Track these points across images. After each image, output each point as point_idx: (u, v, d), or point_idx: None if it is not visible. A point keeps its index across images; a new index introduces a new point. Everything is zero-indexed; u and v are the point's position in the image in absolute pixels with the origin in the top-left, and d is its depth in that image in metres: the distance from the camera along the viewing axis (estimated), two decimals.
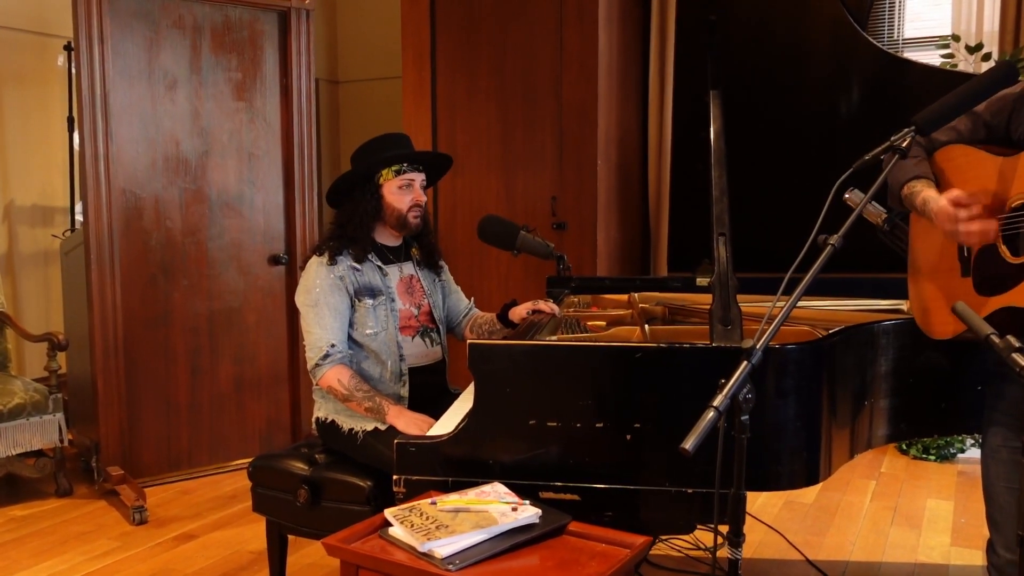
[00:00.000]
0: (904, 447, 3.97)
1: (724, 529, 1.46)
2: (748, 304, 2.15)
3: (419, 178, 2.47)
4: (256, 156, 3.83)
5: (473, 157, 4.30)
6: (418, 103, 4.40)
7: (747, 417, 1.38)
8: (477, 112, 4.23)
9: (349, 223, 2.43)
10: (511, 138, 4.18)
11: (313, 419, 2.54)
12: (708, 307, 2.42)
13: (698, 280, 2.82)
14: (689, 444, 1.27)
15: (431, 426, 2.12)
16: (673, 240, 3.73)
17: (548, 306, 2.45)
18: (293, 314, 3.98)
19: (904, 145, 1.60)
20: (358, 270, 2.42)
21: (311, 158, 3.98)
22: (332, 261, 2.39)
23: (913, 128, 1.63)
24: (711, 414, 1.31)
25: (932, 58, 3.99)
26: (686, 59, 3.44)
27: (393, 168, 2.43)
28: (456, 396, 2.41)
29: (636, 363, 1.73)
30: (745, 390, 1.36)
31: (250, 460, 2.50)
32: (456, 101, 4.30)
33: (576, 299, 2.89)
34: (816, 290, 2.43)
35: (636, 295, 2.77)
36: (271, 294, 3.91)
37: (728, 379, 1.36)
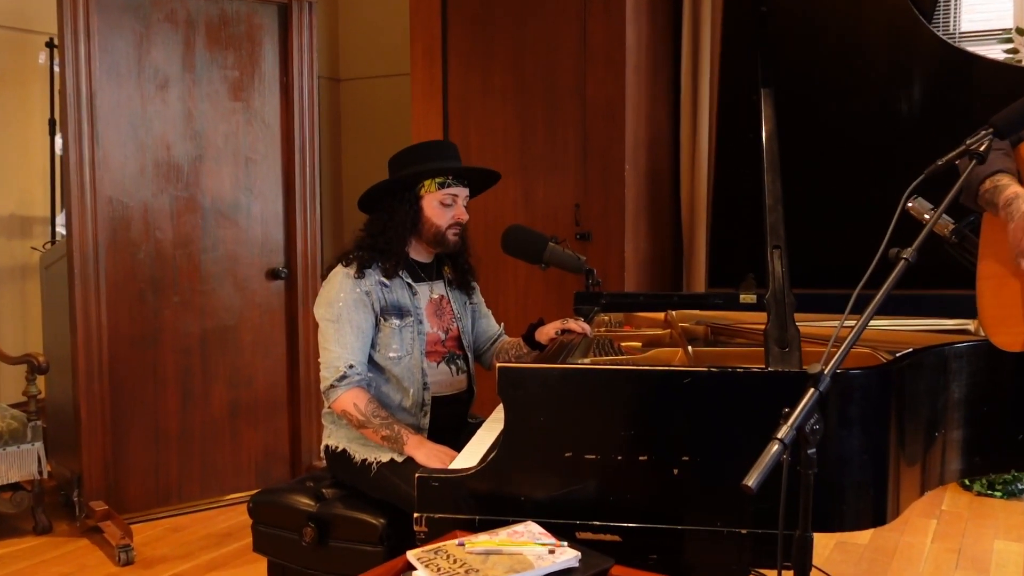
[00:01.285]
0: (967, 482, 3.92)
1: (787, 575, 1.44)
2: (802, 324, 2.14)
3: (463, 194, 2.48)
4: (254, 161, 3.84)
5: (488, 161, 4.29)
6: (428, 102, 4.41)
7: (814, 451, 1.36)
8: (493, 112, 4.24)
9: (382, 234, 2.42)
10: (530, 140, 4.18)
11: (322, 447, 2.53)
12: (756, 327, 2.45)
13: (742, 297, 2.81)
14: (753, 481, 1.25)
15: (453, 459, 2.11)
16: (713, 253, 3.72)
17: (579, 325, 2.44)
18: (293, 333, 3.98)
19: (982, 149, 1.58)
20: (386, 286, 2.42)
21: (313, 163, 3.99)
22: (360, 274, 2.39)
23: (991, 130, 1.61)
24: (775, 447, 1.29)
25: (993, 53, 3.98)
26: (730, 55, 3.45)
27: (437, 181, 2.43)
28: (477, 426, 2.40)
29: (684, 389, 1.72)
30: (812, 421, 1.34)
31: (245, 494, 2.50)
32: (470, 100, 4.31)
33: (607, 317, 2.88)
34: (863, 309, 2.43)
35: (674, 313, 2.76)
36: (269, 311, 3.92)
37: (792, 408, 1.34)
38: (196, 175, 3.69)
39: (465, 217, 2.48)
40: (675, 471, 1.71)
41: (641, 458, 1.72)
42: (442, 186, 2.43)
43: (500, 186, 4.34)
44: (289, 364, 3.97)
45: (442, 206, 2.44)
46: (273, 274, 3.91)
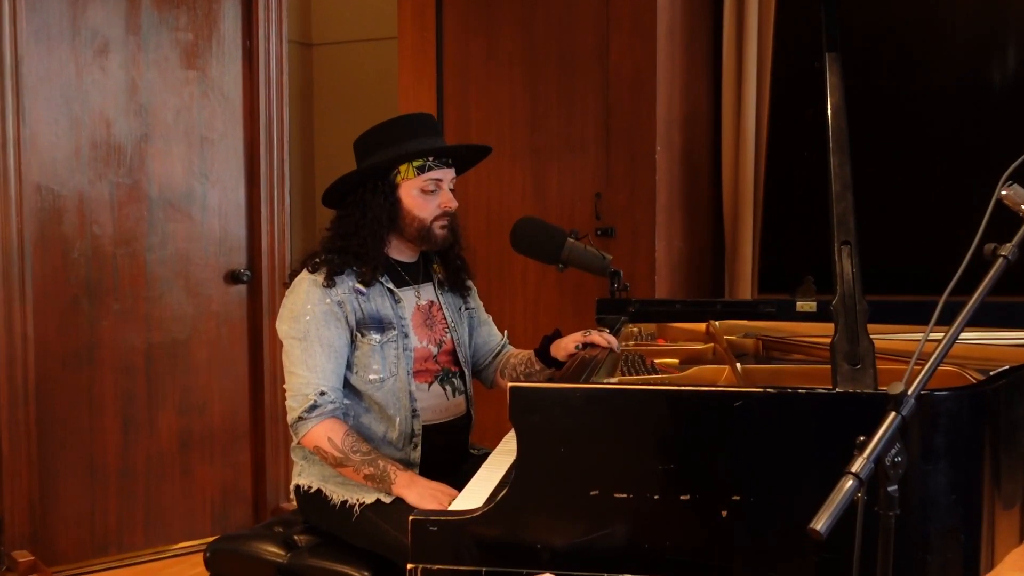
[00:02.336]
0: None
1: None
2: (872, 337, 2.14)
3: (448, 177, 2.48)
4: (210, 141, 3.86)
5: (492, 142, 4.28)
6: (418, 72, 4.42)
7: (895, 488, 1.36)
8: (498, 83, 4.25)
9: (355, 235, 2.42)
10: (542, 118, 4.19)
11: (292, 486, 2.53)
12: (818, 340, 2.45)
13: (799, 304, 2.82)
14: (822, 525, 1.25)
15: (452, 499, 2.11)
16: (763, 251, 3.72)
17: (603, 338, 2.45)
18: (257, 349, 3.99)
19: None
20: (363, 294, 2.42)
21: (282, 144, 4.00)
22: (330, 282, 2.39)
23: None
24: (849, 484, 1.29)
25: None
26: (787, 15, 3.45)
27: (415, 164, 2.43)
28: (481, 458, 2.41)
29: (735, 415, 1.72)
30: (893, 452, 1.34)
31: (200, 542, 2.50)
32: (470, 69, 4.31)
33: (636, 329, 2.89)
34: (950, 317, 2.42)
35: (717, 324, 2.77)
36: (228, 322, 3.92)
37: (869, 437, 1.34)
38: (141, 158, 3.70)
39: (453, 204, 2.48)
40: (723, 513, 1.71)
41: (682, 498, 1.72)
42: (422, 170, 2.43)
43: (507, 173, 4.40)
44: (252, 386, 3.97)
45: (424, 194, 2.44)
46: (233, 277, 3.92)
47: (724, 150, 4.34)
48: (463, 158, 2.59)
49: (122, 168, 3.66)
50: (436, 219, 2.45)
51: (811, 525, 1.26)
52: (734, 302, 2.90)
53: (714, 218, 4.47)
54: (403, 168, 2.43)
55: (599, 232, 4.03)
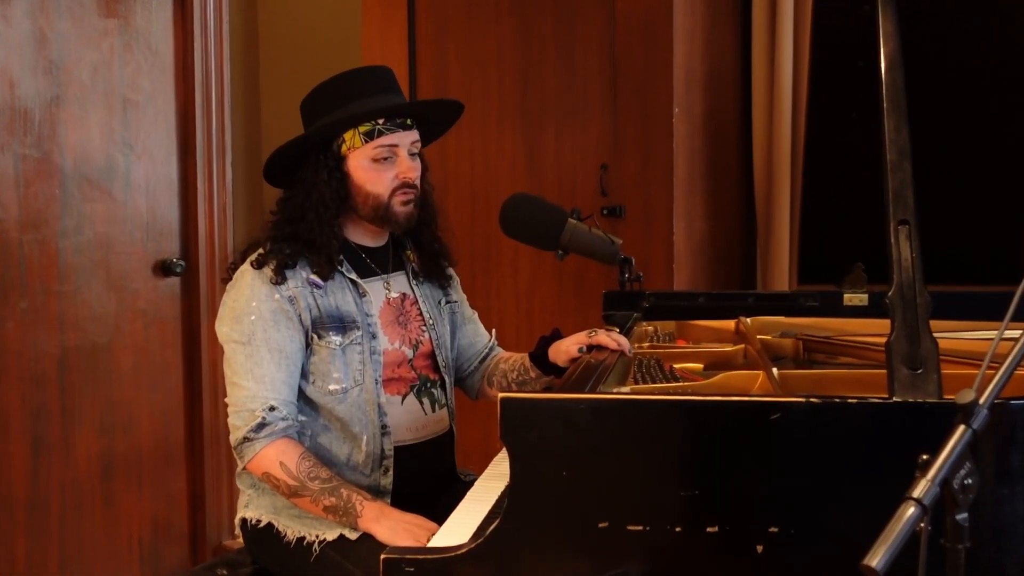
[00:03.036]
0: None
1: None
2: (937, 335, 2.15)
3: (406, 141, 2.49)
4: (135, 104, 3.86)
5: (475, 103, 4.30)
6: (386, 17, 4.42)
7: (966, 516, 1.36)
8: (481, 31, 4.26)
9: (303, 219, 2.43)
10: (536, 73, 4.19)
11: (237, 519, 2.55)
12: (870, 339, 2.47)
13: (846, 297, 2.84)
14: (878, 561, 1.26)
15: (432, 533, 2.13)
16: (804, 233, 3.73)
17: (612, 339, 2.46)
18: (193, 353, 4.01)
19: None
20: (319, 287, 2.43)
21: (222, 106, 4.01)
22: (279, 276, 2.39)
23: None
24: (911, 511, 1.29)
25: None
26: None
27: (362, 130, 2.44)
28: (467, 485, 2.42)
29: (772, 430, 1.73)
30: (963, 472, 1.35)
31: None
32: (448, 13, 4.32)
33: (652, 327, 2.90)
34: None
35: (748, 321, 2.79)
36: (158, 322, 3.93)
37: (933, 455, 1.34)
38: (51, 125, 3.68)
39: (414, 173, 2.49)
40: (759, 548, 1.72)
41: (709, 530, 1.73)
42: (370, 136, 2.44)
43: (494, 141, 4.41)
44: (188, 399, 3.98)
45: (376, 164, 2.45)
46: (164, 268, 3.92)
47: (755, 112, 4.35)
48: (430, 120, 2.59)
49: (28, 137, 3.64)
50: (395, 193, 2.46)
51: (865, 561, 1.26)
52: (769, 295, 2.93)
53: (744, 193, 4.49)
54: (348, 136, 2.44)
55: (605, 211, 4.05)
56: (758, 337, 2.59)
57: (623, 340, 2.46)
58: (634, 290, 2.87)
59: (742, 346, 2.62)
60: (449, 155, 4.32)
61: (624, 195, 4.05)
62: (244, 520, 2.52)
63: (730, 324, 2.85)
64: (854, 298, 2.81)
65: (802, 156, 3.83)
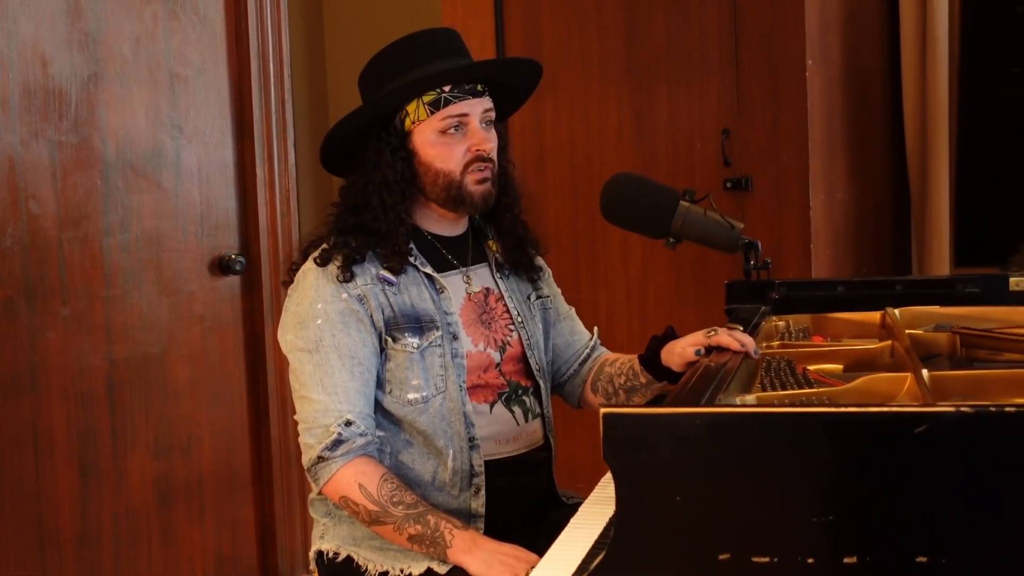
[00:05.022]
0: None
1: None
2: None
3: (476, 108, 2.51)
4: (183, 79, 3.90)
5: (573, 61, 4.33)
6: None
7: None
8: None
9: (367, 206, 2.48)
10: (644, 23, 4.20)
11: (312, 553, 2.60)
12: None
13: (1013, 281, 2.81)
14: None
15: (531, 566, 2.16)
16: (960, 208, 3.70)
17: (735, 339, 2.46)
18: (258, 363, 4.06)
19: None
20: (391, 284, 2.47)
21: (281, 80, 4.05)
22: (346, 274, 2.44)
23: None
24: None
25: None
26: None
27: (426, 100, 2.48)
28: (571, 509, 2.46)
29: (917, 444, 1.73)
30: None
31: None
32: None
33: (783, 323, 2.90)
34: None
35: (896, 312, 2.77)
36: (218, 328, 3.98)
37: None
38: (90, 107, 3.73)
39: (488, 145, 2.50)
40: None
41: (847, 561, 1.74)
42: (436, 106, 2.47)
43: (596, 106, 4.42)
44: (252, 414, 4.04)
45: (444, 138, 2.48)
46: (222, 266, 3.98)
47: (904, 61, 4.31)
48: (505, 86, 2.61)
49: (65, 122, 3.70)
50: (468, 169, 2.49)
51: None
52: (921, 281, 2.90)
53: (894, 159, 4.45)
54: (411, 107, 2.48)
55: (729, 184, 4.05)
56: (907, 332, 2.58)
57: (747, 340, 2.45)
58: (761, 279, 2.87)
59: (889, 343, 2.60)
60: (545, 124, 4.35)
61: (751, 165, 4.05)
62: (320, 553, 2.57)
63: (875, 317, 2.84)
64: (1022, 282, 2.78)
65: (957, 114, 3.79)
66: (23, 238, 3.64)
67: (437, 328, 2.49)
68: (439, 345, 2.49)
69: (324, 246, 2.50)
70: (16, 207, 3.64)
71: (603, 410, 1.82)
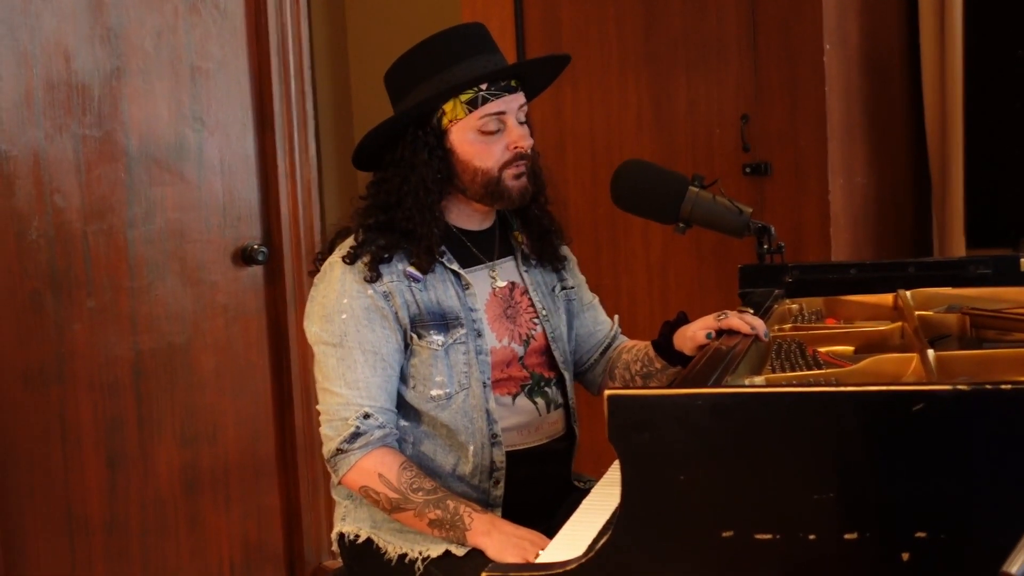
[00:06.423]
0: None
1: None
2: None
3: (513, 105, 2.54)
4: (205, 73, 3.94)
5: (592, 48, 4.34)
6: None
7: None
8: None
9: (399, 205, 2.50)
10: (661, 8, 4.20)
11: (334, 535, 2.65)
12: None
13: None
14: (1018, 567, 1.30)
15: (542, 548, 2.20)
16: (971, 189, 3.70)
17: (745, 322, 2.49)
18: (282, 352, 4.09)
19: None
20: (418, 281, 2.51)
21: (301, 71, 4.06)
22: (374, 273, 2.47)
23: None
24: None
25: None
26: None
27: (463, 99, 2.50)
28: (584, 493, 2.49)
29: (914, 421, 1.76)
30: None
31: None
32: None
33: (797, 305, 2.92)
34: None
35: (907, 293, 2.79)
36: (241, 318, 4.02)
37: None
38: (113, 101, 3.76)
39: (525, 142, 2.53)
40: (904, 556, 1.75)
41: (848, 537, 1.77)
42: (474, 105, 2.50)
43: (616, 93, 4.43)
44: (277, 402, 4.07)
45: (484, 136, 2.51)
46: (245, 257, 4.01)
47: (923, 43, 4.31)
48: (533, 76, 2.65)
49: (88, 116, 3.73)
50: (506, 166, 2.51)
51: (1004, 568, 1.31)
52: (933, 263, 2.91)
53: (914, 141, 4.45)
54: (448, 107, 2.50)
55: (748, 169, 4.05)
56: (917, 313, 2.60)
57: (758, 323, 2.48)
58: (775, 263, 2.88)
59: (899, 324, 2.62)
60: (565, 111, 4.37)
61: (770, 150, 4.05)
62: (341, 535, 2.61)
63: (888, 299, 2.86)
64: None
65: (967, 95, 3.79)
66: (48, 231, 3.67)
67: (462, 325, 2.52)
68: (463, 342, 2.52)
69: (352, 242, 2.53)
70: (41, 201, 3.67)
71: (607, 392, 1.85)
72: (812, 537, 1.78)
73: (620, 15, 4.27)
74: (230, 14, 4.00)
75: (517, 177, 2.53)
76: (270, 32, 4.04)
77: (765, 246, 2.80)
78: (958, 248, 4.20)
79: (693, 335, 2.55)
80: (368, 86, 5.73)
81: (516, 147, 2.51)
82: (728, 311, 2.53)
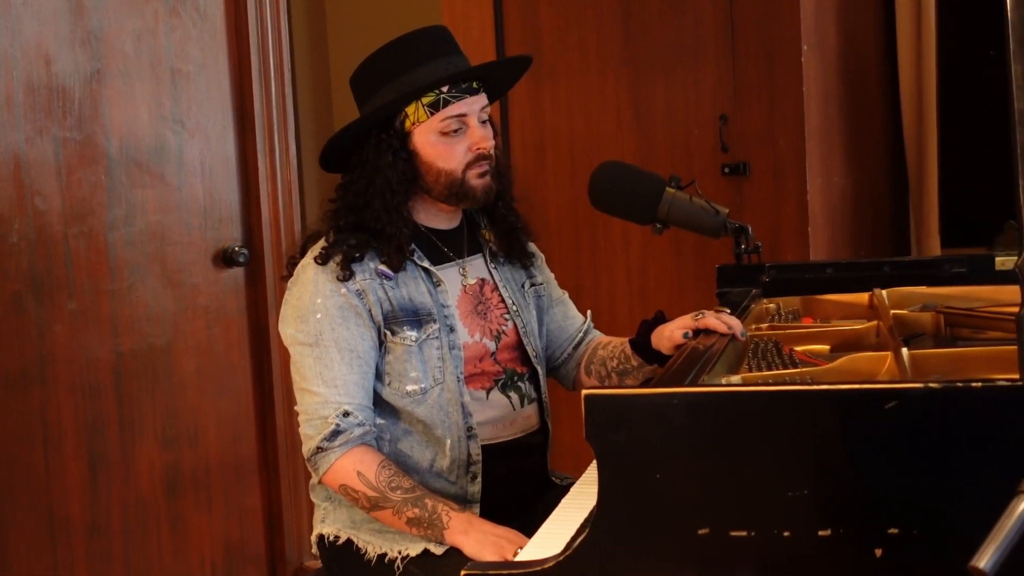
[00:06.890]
0: None
1: None
2: None
3: (475, 107, 2.57)
4: (185, 75, 3.93)
5: (571, 50, 4.36)
6: None
7: None
8: None
9: (367, 206, 2.52)
10: (639, 10, 4.20)
11: (314, 537, 2.66)
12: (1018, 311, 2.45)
13: (999, 260, 2.82)
14: (986, 562, 1.32)
15: (521, 547, 2.21)
16: (945, 189, 3.71)
17: (721, 321, 2.51)
18: (263, 353, 4.09)
19: None
20: (390, 279, 2.53)
21: (281, 73, 4.07)
22: (346, 272, 2.49)
23: None
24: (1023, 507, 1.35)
25: None
26: None
27: (425, 102, 2.53)
28: (563, 490, 2.51)
29: (886, 419, 1.77)
30: None
31: None
32: None
33: (773, 305, 2.93)
34: None
35: (883, 293, 2.81)
36: (222, 319, 4.02)
37: None
38: (93, 103, 3.75)
39: (488, 143, 2.56)
40: (877, 552, 1.77)
41: (821, 534, 1.78)
42: (435, 107, 2.52)
43: (595, 95, 4.44)
44: (258, 404, 4.07)
45: (446, 138, 2.53)
46: (226, 258, 4.01)
47: (900, 43, 4.32)
48: (495, 77, 2.68)
49: (68, 119, 3.72)
50: (469, 167, 2.54)
51: (972, 563, 1.33)
52: (908, 262, 2.92)
53: (891, 142, 4.46)
54: (411, 109, 2.52)
55: (727, 170, 4.06)
56: (892, 312, 2.61)
57: (735, 322, 2.49)
58: (752, 263, 2.90)
59: (875, 323, 2.64)
60: (544, 114, 4.38)
61: (748, 150, 4.06)
62: (321, 537, 2.62)
63: (864, 298, 2.87)
64: (1007, 261, 2.78)
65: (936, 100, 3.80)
66: (29, 234, 3.66)
67: (434, 321, 2.54)
68: (436, 337, 2.54)
69: (323, 243, 2.55)
70: (22, 203, 3.65)
71: (584, 392, 1.86)
72: (787, 534, 1.80)
73: (599, 16, 4.28)
74: (210, 17, 4.00)
75: (481, 176, 2.56)
76: (250, 34, 4.03)
77: (742, 246, 2.82)
78: (934, 247, 4.22)
79: (671, 334, 2.57)
80: (348, 88, 5.73)
81: (478, 148, 2.54)
82: (705, 311, 2.55)
